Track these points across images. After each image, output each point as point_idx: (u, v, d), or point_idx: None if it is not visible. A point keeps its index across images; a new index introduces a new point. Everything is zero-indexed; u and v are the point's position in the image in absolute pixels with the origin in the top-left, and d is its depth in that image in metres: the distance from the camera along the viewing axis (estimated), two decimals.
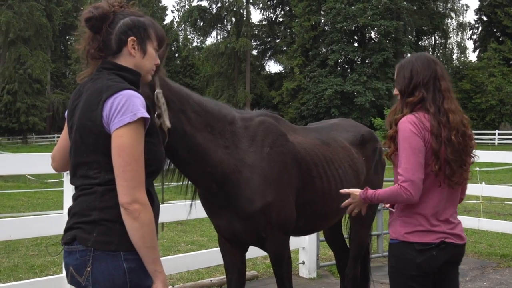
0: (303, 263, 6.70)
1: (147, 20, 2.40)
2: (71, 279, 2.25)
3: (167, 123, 2.94)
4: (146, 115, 2.16)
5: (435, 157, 2.90)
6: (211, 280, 6.07)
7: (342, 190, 3.34)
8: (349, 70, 48.33)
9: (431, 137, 2.90)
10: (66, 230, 2.29)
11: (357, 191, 3.19)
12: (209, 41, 57.71)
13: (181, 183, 3.47)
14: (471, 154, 3.06)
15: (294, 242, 6.54)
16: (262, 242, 3.63)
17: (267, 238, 3.55)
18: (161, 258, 6.02)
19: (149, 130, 2.25)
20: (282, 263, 3.71)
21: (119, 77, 2.28)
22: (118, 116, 2.13)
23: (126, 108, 2.13)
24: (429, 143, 2.90)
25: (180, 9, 63.95)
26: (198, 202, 3.75)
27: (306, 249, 6.64)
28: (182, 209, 4.56)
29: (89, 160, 2.22)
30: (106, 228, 2.17)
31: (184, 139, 3.15)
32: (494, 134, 38.38)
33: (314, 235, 6.53)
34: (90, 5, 2.34)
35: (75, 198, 2.30)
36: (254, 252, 4.82)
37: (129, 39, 2.31)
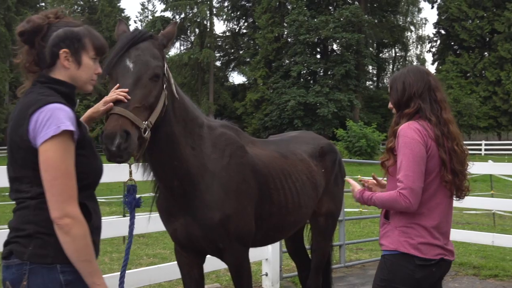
0: (266, 274, 6.70)
1: (82, 30, 2.36)
2: None
3: (176, 94, 3.20)
4: (71, 127, 2.14)
5: (444, 167, 2.86)
6: None
7: (346, 178, 3.45)
8: (311, 82, 48.87)
9: (437, 147, 2.87)
10: (4, 245, 2.27)
11: (356, 186, 3.16)
12: (173, 52, 57.35)
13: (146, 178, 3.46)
14: (467, 169, 3.04)
15: (257, 253, 6.54)
16: (220, 253, 3.61)
17: (226, 250, 3.53)
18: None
19: (81, 143, 2.24)
20: (243, 276, 3.68)
21: (52, 90, 2.26)
22: (44, 130, 2.11)
23: (50, 122, 2.11)
24: (433, 152, 2.86)
25: (143, 19, 63.55)
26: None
27: (269, 260, 6.65)
28: (144, 221, 4.51)
29: (20, 175, 2.22)
30: (42, 241, 2.16)
31: (167, 122, 3.20)
32: None
33: (277, 247, 6.55)
34: (25, 19, 2.34)
35: (14, 212, 2.29)
36: (217, 264, 4.81)
37: (61, 52, 2.28)
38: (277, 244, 6.44)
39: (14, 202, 2.30)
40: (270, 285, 6.65)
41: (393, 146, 2.95)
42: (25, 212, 2.20)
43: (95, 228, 2.32)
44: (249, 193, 3.61)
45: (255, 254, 6.56)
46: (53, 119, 2.12)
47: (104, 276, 5.97)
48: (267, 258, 6.64)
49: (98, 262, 7.71)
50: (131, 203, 2.99)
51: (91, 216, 2.28)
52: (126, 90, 2.73)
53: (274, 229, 4.03)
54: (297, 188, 4.06)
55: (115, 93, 2.73)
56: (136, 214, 4.27)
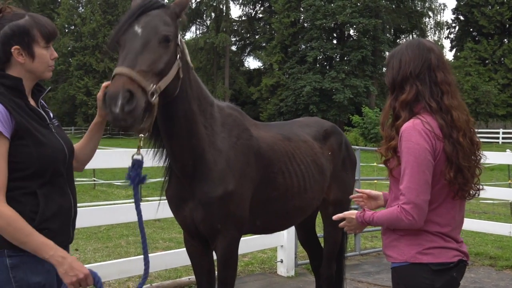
0: (281, 261, 6.71)
1: (28, 22, 2.36)
2: None
3: (190, 64, 3.13)
4: None
5: (449, 162, 2.47)
6: (189, 279, 6.04)
7: (335, 216, 2.87)
8: (327, 67, 48.56)
9: (443, 139, 2.47)
10: None
11: (352, 213, 2.77)
12: (188, 36, 57.29)
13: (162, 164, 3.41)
14: (479, 165, 2.61)
15: (272, 240, 6.55)
16: (215, 237, 3.49)
17: (221, 231, 3.43)
18: (139, 257, 5.90)
19: (18, 133, 2.27)
20: (229, 264, 3.54)
21: None
22: None
23: None
24: (441, 150, 2.48)
25: None
26: None
27: (284, 247, 6.65)
28: (161, 205, 4.52)
29: None
30: None
31: (185, 99, 3.15)
32: None
33: (292, 234, 6.53)
34: None
35: None
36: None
37: (13, 49, 2.32)
38: (292, 231, 6.43)
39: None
40: (285, 272, 6.66)
41: (396, 145, 2.56)
42: None
43: (51, 216, 2.35)
44: (251, 177, 3.55)
45: (270, 240, 6.57)
46: None
47: (120, 260, 6.02)
48: (283, 245, 6.64)
49: (114, 246, 7.77)
50: (134, 178, 2.80)
51: (40, 204, 2.31)
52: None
53: (278, 214, 3.93)
54: (302, 171, 3.97)
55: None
56: (151, 198, 4.26)
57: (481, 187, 2.65)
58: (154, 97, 2.66)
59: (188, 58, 3.16)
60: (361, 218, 2.68)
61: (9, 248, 2.25)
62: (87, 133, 2.80)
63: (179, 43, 3.00)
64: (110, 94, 2.50)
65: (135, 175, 2.79)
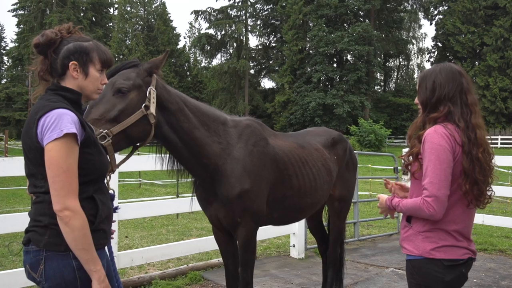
0: (294, 246, 6.67)
1: (90, 45, 2.23)
2: (28, 275, 2.16)
3: (153, 113, 2.82)
4: (73, 130, 2.01)
5: (465, 176, 2.30)
6: (218, 260, 6.03)
7: (378, 195, 2.73)
8: (329, 86, 48.34)
9: (462, 154, 2.31)
10: (25, 232, 2.18)
11: (384, 196, 2.61)
12: (215, 62, 57.48)
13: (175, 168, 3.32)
14: (491, 175, 2.43)
15: (286, 228, 6.52)
16: (236, 229, 3.43)
17: (241, 223, 3.37)
18: (177, 242, 5.90)
19: (86, 142, 2.12)
20: (248, 250, 3.49)
21: (60, 97, 2.15)
22: (48, 133, 2.00)
23: (55, 125, 2.00)
24: (459, 159, 2.31)
25: (191, 36, 63.86)
26: None
27: (296, 234, 6.61)
28: (193, 201, 4.53)
29: (35, 171, 2.11)
30: (56, 231, 2.04)
31: (182, 134, 3.07)
32: None
33: (302, 223, 6.49)
34: (40, 32, 2.23)
35: (33, 203, 2.19)
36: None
37: (71, 64, 2.17)
38: (303, 221, 6.39)
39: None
40: (297, 255, 6.62)
41: (418, 151, 2.38)
42: (41, 205, 2.10)
43: (104, 218, 2.19)
44: (267, 178, 3.48)
45: (284, 229, 6.54)
46: (58, 123, 2.00)
47: (162, 245, 6.00)
48: (295, 232, 6.60)
49: (156, 234, 7.77)
50: None
51: (99, 208, 2.15)
52: None
53: (292, 209, 3.87)
54: (313, 173, 3.92)
55: None
56: (186, 194, 4.23)
57: (492, 193, 2.47)
58: (106, 140, 2.56)
59: (152, 105, 2.84)
60: (389, 201, 2.53)
61: None
62: None
63: (148, 94, 2.81)
64: None
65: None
